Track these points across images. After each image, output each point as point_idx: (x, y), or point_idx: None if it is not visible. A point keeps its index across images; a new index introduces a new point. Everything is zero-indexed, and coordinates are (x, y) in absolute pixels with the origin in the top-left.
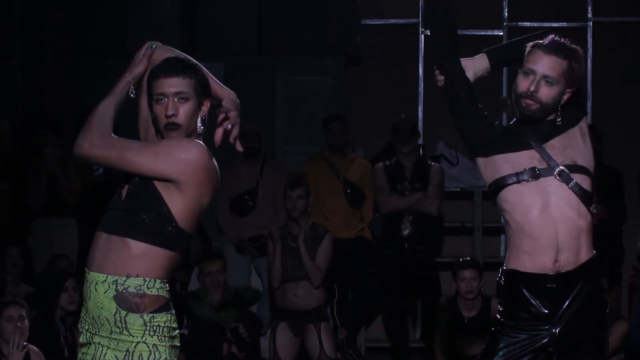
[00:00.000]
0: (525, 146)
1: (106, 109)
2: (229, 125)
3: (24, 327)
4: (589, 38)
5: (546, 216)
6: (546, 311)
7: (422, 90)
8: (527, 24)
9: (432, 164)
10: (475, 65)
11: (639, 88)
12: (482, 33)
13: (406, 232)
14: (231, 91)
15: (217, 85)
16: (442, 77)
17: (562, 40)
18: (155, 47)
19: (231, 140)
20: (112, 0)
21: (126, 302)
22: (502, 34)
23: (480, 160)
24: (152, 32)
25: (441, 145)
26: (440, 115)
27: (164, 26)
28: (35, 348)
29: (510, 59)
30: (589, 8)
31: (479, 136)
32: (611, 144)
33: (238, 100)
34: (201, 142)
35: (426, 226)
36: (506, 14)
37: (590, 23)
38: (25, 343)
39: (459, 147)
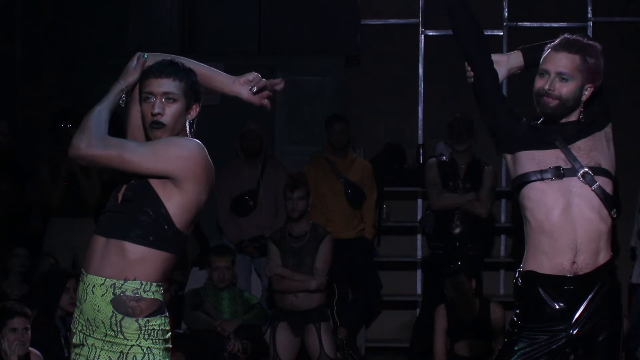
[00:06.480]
0: (551, 145)
1: (101, 112)
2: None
3: (26, 339)
4: None
5: (567, 217)
6: (563, 313)
7: (422, 90)
8: (527, 24)
9: (487, 166)
10: (510, 62)
11: (638, 88)
12: None
13: (457, 230)
14: (231, 76)
15: (217, 74)
16: (472, 73)
17: (575, 37)
18: (147, 57)
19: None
20: (112, 0)
21: (123, 305)
22: (502, 34)
23: (506, 156)
24: (152, 32)
25: (441, 145)
26: (440, 115)
27: (164, 26)
28: (36, 352)
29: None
30: (589, 8)
31: (505, 131)
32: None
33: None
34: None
35: (477, 225)
36: (506, 14)
37: (590, 23)
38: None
39: None
